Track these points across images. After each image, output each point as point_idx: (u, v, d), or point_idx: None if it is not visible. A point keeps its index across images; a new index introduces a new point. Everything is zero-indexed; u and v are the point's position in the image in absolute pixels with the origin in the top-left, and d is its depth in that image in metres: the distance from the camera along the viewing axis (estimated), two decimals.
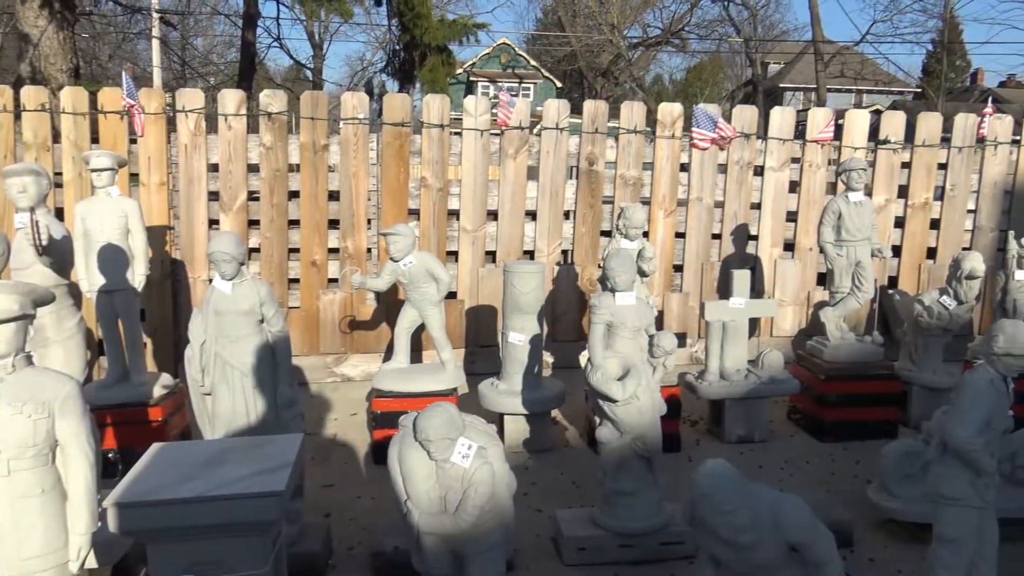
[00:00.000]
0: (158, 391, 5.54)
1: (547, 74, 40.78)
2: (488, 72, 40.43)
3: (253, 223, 7.52)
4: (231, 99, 7.28)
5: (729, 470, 3.07)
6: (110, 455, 5.25)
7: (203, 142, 7.26)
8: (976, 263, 6.18)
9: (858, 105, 35.15)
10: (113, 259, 5.31)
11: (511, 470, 3.64)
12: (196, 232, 7.31)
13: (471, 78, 40.19)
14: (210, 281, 4.33)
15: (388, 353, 6.87)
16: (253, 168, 7.47)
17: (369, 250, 7.70)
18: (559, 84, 40.44)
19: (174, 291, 7.33)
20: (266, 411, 4.28)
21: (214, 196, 7.39)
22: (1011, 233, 6.86)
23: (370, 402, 6.05)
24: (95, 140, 7.11)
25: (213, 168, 7.37)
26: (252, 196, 7.49)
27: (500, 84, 38.97)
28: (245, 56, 15.62)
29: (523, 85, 39.82)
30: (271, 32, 22.09)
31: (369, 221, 7.64)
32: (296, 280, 7.64)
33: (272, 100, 7.37)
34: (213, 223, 7.43)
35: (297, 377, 7.29)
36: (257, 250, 7.55)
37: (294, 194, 7.55)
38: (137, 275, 5.44)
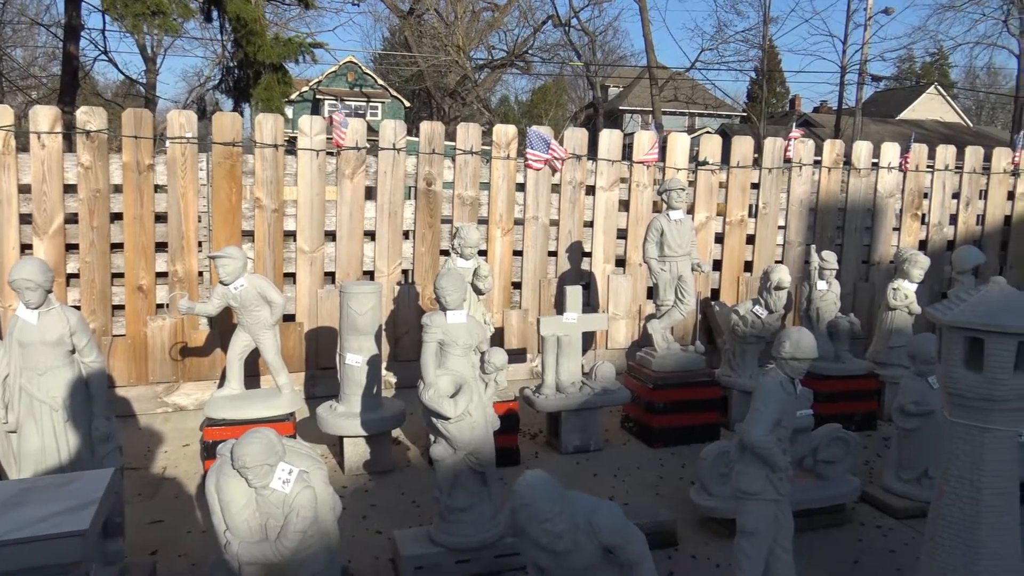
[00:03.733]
0: None
1: (395, 93, 40.76)
2: (335, 90, 39.95)
3: (72, 247, 7.10)
4: (44, 116, 6.86)
5: (546, 480, 3.18)
6: None
7: (13, 161, 6.80)
8: (783, 275, 6.71)
9: (691, 127, 37.34)
10: None
11: (351, 492, 3.64)
12: (5, 258, 6.81)
13: (317, 96, 39.58)
14: None
15: (223, 380, 6.65)
16: (71, 189, 7.05)
17: (201, 273, 7.43)
18: (407, 104, 40.51)
19: None
20: (80, 448, 4.07)
21: (27, 219, 6.92)
22: (813, 247, 7.49)
23: (203, 431, 5.84)
24: None
25: (25, 189, 6.91)
26: (71, 219, 7.07)
27: (348, 103, 38.64)
28: (67, 70, 14.62)
29: (371, 104, 39.63)
30: (97, 44, 20.80)
31: (200, 243, 7.38)
32: (121, 306, 7.26)
33: (90, 117, 6.99)
34: (26, 247, 6.96)
35: (123, 408, 6.94)
36: (77, 275, 7.12)
37: (117, 216, 7.19)
38: None
